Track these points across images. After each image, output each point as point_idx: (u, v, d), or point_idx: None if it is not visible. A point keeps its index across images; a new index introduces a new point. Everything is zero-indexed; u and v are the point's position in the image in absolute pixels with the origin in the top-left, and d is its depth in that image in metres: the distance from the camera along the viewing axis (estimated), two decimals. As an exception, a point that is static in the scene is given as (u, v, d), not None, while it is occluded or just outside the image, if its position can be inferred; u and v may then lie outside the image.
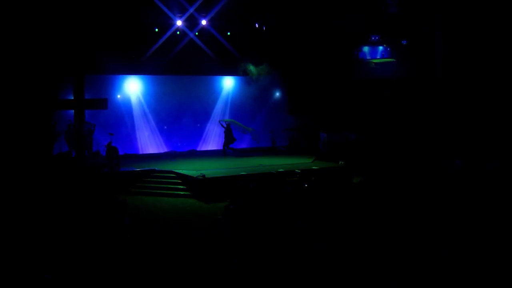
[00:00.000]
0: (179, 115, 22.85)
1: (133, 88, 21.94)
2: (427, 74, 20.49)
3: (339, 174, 17.55)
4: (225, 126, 21.35)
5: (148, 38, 20.92)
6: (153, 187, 16.24)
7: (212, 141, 23.81)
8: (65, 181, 14.26)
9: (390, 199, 11.13)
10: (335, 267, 7.72)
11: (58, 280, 7.18)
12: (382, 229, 9.07)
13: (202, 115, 23.52)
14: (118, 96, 21.61)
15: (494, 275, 7.30)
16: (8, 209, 10.83)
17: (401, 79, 21.75)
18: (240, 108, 24.32)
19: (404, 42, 22.35)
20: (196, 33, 21.95)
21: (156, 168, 17.44)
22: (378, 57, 23.31)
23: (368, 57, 23.18)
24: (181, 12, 21.19)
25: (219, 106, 24.17)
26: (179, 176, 16.54)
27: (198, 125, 23.53)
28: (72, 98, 19.52)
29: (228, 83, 24.39)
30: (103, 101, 19.89)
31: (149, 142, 22.44)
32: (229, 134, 21.23)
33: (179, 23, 21.27)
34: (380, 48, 22.98)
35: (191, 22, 21.64)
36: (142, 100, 22.19)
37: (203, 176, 15.40)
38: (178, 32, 21.59)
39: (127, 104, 21.86)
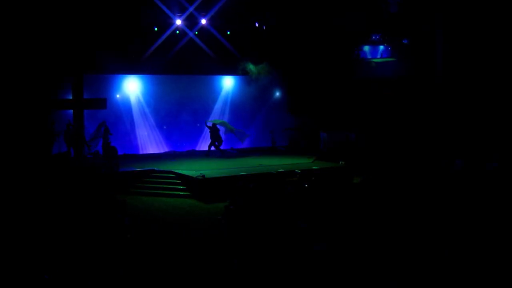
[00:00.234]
0: (178, 115, 22.79)
1: (132, 87, 21.88)
2: (428, 73, 20.44)
3: (340, 174, 17.49)
4: (210, 126, 21.07)
5: (147, 37, 20.88)
6: (153, 187, 16.16)
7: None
8: (64, 181, 14.20)
9: (390, 199, 11.10)
10: (335, 267, 7.69)
11: (58, 280, 7.14)
12: (382, 229, 9.04)
13: (202, 115, 23.44)
14: (117, 96, 21.55)
15: (494, 275, 7.26)
16: (7, 209, 10.79)
17: (401, 78, 21.71)
18: (240, 108, 24.27)
19: (405, 41, 22.27)
20: (196, 33, 21.90)
21: (155, 168, 17.38)
22: (379, 56, 23.25)
23: (369, 56, 23.11)
24: (181, 11, 21.15)
25: (218, 106, 24.12)
26: (179, 176, 16.48)
27: (198, 125, 23.46)
28: (71, 97, 19.48)
29: (228, 82, 24.33)
30: (102, 100, 19.87)
31: (148, 142, 22.38)
32: (214, 135, 20.96)
33: (178, 22, 21.22)
34: (381, 47, 22.91)
35: (191, 21, 21.59)
36: (142, 100, 22.13)
37: (203, 176, 15.34)
38: (177, 32, 21.54)
39: (127, 103, 21.80)
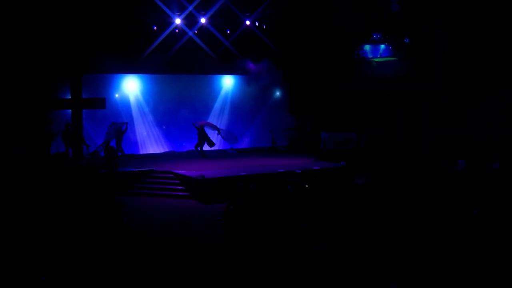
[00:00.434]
0: (178, 115, 22.68)
1: (131, 87, 21.79)
2: (429, 73, 20.40)
3: (340, 174, 17.42)
4: (198, 127, 20.97)
5: (146, 36, 20.77)
6: (152, 188, 16.10)
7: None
8: (63, 181, 14.15)
9: (390, 199, 11.09)
10: (336, 268, 7.68)
11: (58, 280, 7.13)
12: (382, 230, 9.01)
13: (202, 115, 23.34)
14: (116, 96, 21.46)
15: (494, 275, 7.24)
16: (6, 209, 10.74)
17: (402, 77, 21.64)
18: (239, 108, 24.19)
19: (406, 40, 22.19)
20: (195, 32, 21.79)
21: (155, 169, 17.28)
22: (379, 55, 23.18)
23: (370, 56, 23.04)
24: (180, 10, 21.06)
25: (218, 106, 24.03)
26: (178, 176, 16.40)
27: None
28: (70, 97, 19.40)
29: (227, 82, 24.25)
30: (101, 100, 19.80)
31: (148, 142, 22.30)
32: (202, 136, 20.86)
33: (178, 21, 21.12)
34: (382, 46, 22.83)
35: (190, 20, 21.50)
36: (141, 99, 22.04)
37: (203, 176, 15.25)
38: (177, 31, 21.44)
39: (126, 103, 21.70)
